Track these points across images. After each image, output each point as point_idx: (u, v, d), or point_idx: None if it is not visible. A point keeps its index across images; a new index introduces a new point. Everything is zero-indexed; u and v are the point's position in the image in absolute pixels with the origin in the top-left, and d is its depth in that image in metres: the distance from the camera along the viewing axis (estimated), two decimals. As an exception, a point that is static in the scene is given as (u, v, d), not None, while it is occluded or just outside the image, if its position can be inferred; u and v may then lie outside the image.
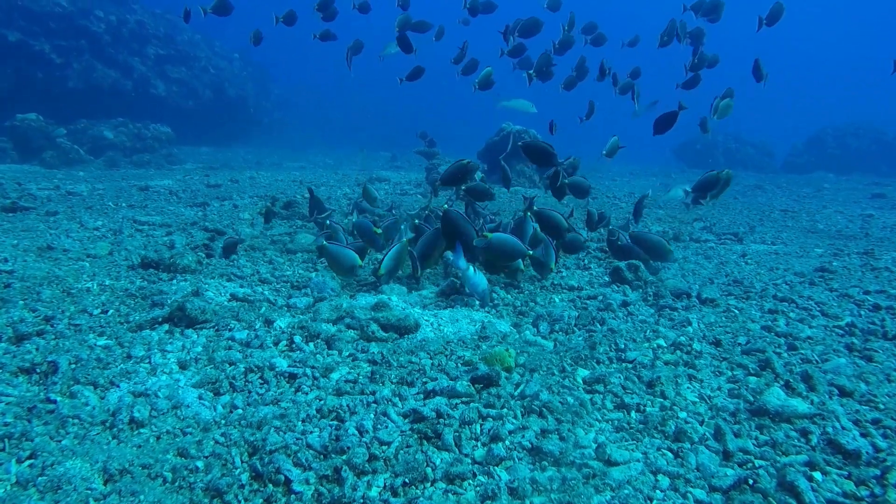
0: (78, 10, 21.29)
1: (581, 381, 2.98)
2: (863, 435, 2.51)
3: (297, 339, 3.44)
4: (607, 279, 5.42)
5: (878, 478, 2.20)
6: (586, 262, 6.24)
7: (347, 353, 3.38)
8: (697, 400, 2.82)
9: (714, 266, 6.26)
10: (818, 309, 4.56)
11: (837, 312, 4.43)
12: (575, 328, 4.15)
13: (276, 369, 3.00)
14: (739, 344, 3.69)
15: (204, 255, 5.58)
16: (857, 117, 25.09)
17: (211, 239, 6.70)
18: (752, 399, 2.79)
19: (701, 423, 2.61)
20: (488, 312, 4.61)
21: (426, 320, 4.24)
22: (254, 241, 6.72)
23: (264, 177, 14.63)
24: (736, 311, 4.46)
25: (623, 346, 3.45)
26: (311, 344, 3.44)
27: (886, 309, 4.48)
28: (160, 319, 3.69)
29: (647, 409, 2.71)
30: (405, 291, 4.96)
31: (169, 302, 4.04)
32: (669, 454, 2.38)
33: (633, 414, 2.68)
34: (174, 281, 4.81)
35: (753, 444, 2.45)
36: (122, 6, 23.47)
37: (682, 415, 2.67)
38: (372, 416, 2.58)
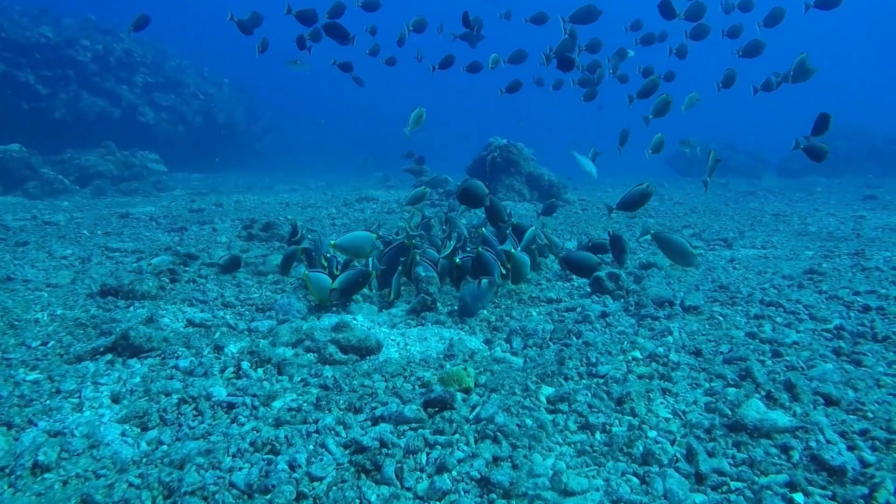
0: (64, 40, 21.34)
1: (544, 401, 2.74)
2: (849, 448, 2.27)
3: (245, 365, 3.21)
4: (588, 290, 5.20)
5: (866, 497, 1.96)
6: (567, 273, 6.02)
7: (299, 379, 3.14)
8: (670, 416, 2.58)
9: (701, 272, 6.04)
10: (806, 312, 4.33)
11: (826, 315, 4.20)
12: (550, 342, 3.92)
13: (214, 399, 2.76)
14: (721, 353, 3.46)
15: (168, 280, 5.36)
16: (846, 121, 24.98)
17: (183, 263, 6.49)
18: (729, 413, 2.55)
19: (672, 443, 2.37)
20: (461, 329, 4.38)
21: (392, 340, 4.01)
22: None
23: (251, 200, 14.46)
24: (720, 318, 4.23)
25: (595, 359, 3.21)
26: (260, 370, 3.20)
27: (876, 310, 4.25)
28: (102, 349, 3.46)
29: (614, 428, 2.47)
30: (375, 311, 4.74)
31: (117, 331, 3.81)
32: (635, 480, 2.14)
33: (597, 435, 2.44)
34: (131, 308, 4.58)
35: (729, 464, 2.21)
36: (108, 35, 23.54)
37: (652, 434, 2.43)
38: (311, 446, 2.34)
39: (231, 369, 3.17)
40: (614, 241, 6.00)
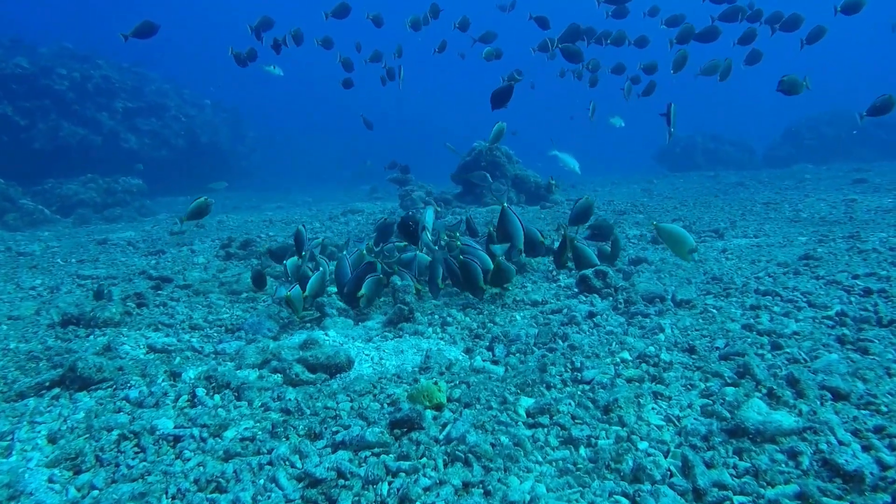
0: (40, 69, 21.10)
1: (523, 413, 2.47)
2: (865, 449, 2.02)
3: (200, 391, 2.93)
4: (576, 290, 4.95)
5: (889, 507, 1.71)
6: (555, 273, 5.77)
7: (259, 403, 2.88)
8: (663, 424, 2.33)
9: (692, 265, 5.80)
10: (804, 300, 4.09)
11: (826, 301, 3.96)
12: (534, 347, 3.66)
13: (159, 432, 2.49)
14: (717, 348, 3.21)
15: (134, 305, 5.08)
16: (829, 106, 24.88)
17: (156, 287, 6.22)
18: (728, 416, 2.29)
19: (666, 455, 2.11)
20: (441, 338, 4.12)
21: (366, 355, 3.74)
22: (202, 284, 6.24)
23: (234, 219, 14.19)
24: (714, 311, 3.98)
25: (580, 364, 2.95)
26: (217, 396, 2.93)
27: (878, 292, 4.02)
28: (48, 384, 3.18)
29: (600, 442, 2.21)
30: (350, 324, 4.47)
31: (68, 362, 3.54)
32: (624, 501, 1.88)
33: (581, 450, 2.18)
34: (91, 337, 4.31)
35: (731, 476, 1.95)
36: (86, 62, 23.31)
37: (643, 445, 2.17)
38: (261, 481, 2.08)
39: (185, 397, 2.90)
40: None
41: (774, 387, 2.45)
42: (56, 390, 3.15)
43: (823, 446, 2.03)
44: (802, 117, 25.12)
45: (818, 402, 2.37)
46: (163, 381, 3.15)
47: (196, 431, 2.48)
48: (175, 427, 2.53)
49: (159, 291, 6.07)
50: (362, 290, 4.39)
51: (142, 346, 3.96)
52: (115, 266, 7.94)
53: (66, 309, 4.83)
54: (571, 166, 7.81)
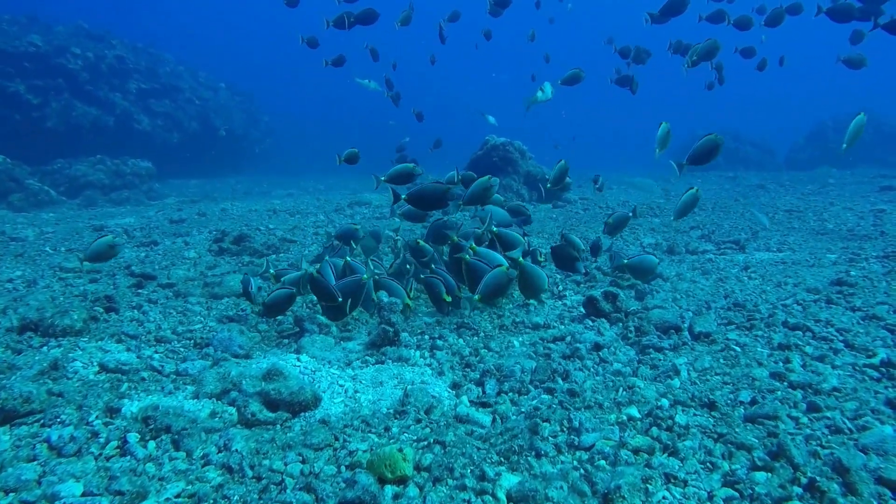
0: (53, 48, 20.88)
1: (503, 498, 2.02)
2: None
3: (133, 437, 2.51)
4: (582, 311, 4.47)
5: None
6: (561, 288, 5.29)
7: (200, 454, 2.46)
8: (676, 522, 1.87)
9: (712, 284, 5.29)
10: (840, 339, 3.59)
11: (866, 343, 3.46)
12: (529, 386, 3.21)
13: (61, 502, 2.07)
14: (742, 403, 2.73)
15: (102, 310, 4.70)
16: (857, 108, 23.96)
17: (137, 285, 5.85)
18: (758, 516, 1.83)
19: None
20: (429, 365, 3.68)
21: (340, 386, 3.31)
22: (185, 284, 5.87)
23: (238, 207, 13.82)
24: (737, 349, 3.50)
25: (579, 423, 2.49)
26: (153, 444, 2.51)
27: (930, 335, 3.50)
28: (-36, 416, 2.78)
29: (595, 549, 1.76)
30: (331, 343, 4.04)
31: (5, 385, 3.14)
32: None
33: (571, 562, 1.73)
34: (45, 348, 3.92)
35: None
36: (100, 42, 23.08)
37: (649, 558, 1.72)
38: (168, 584, 1.65)
39: (115, 444, 2.48)
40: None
41: (817, 477, 1.98)
42: (-27, 424, 2.76)
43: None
44: (828, 118, 24.19)
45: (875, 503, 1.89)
46: (96, 417, 2.73)
47: (107, 501, 2.06)
48: (83, 495, 2.11)
49: (139, 290, 5.70)
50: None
51: (93, 365, 3.55)
52: (104, 258, 7.58)
53: (26, 313, 4.44)
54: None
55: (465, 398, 3.09)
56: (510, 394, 3.15)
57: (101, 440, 2.53)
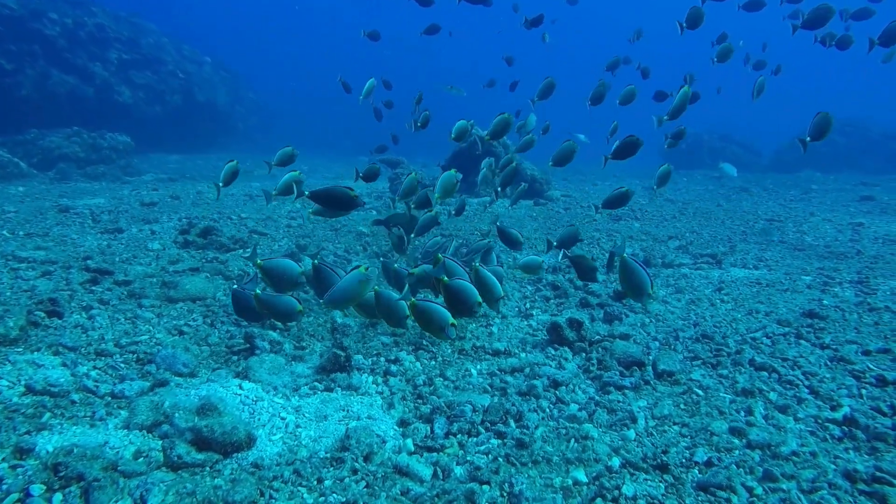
0: (29, 12, 20.16)
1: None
2: None
3: (37, 489, 2.32)
4: (547, 336, 4.32)
5: None
6: (528, 306, 5.14)
7: (112, 508, 2.28)
8: None
9: (684, 306, 5.17)
10: (806, 384, 3.48)
11: (831, 391, 3.35)
12: (480, 427, 3.06)
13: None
14: (697, 464, 2.61)
15: (44, 314, 4.46)
16: (844, 115, 23.93)
17: (92, 281, 5.60)
18: None
19: None
20: (380, 394, 3.52)
21: (281, 419, 3.14)
22: (143, 281, 5.64)
23: (215, 190, 13.49)
24: (700, 393, 3.37)
25: (519, 491, 2.34)
26: (59, 496, 2.32)
27: (894, 384, 3.39)
28: None
29: None
30: (282, 364, 3.85)
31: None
32: None
33: None
34: (-28, 361, 3.69)
35: None
36: (79, 8, 22.30)
37: None
38: None
39: (15, 497, 2.29)
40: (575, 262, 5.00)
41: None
42: None
43: None
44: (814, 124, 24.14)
45: None
46: (3, 459, 2.53)
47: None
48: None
49: (94, 287, 5.46)
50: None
51: (19, 384, 3.34)
52: (63, 245, 7.29)
53: (-36, 316, 4.21)
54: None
55: (409, 441, 2.93)
56: (459, 436, 3.00)
57: (2, 490, 2.33)
